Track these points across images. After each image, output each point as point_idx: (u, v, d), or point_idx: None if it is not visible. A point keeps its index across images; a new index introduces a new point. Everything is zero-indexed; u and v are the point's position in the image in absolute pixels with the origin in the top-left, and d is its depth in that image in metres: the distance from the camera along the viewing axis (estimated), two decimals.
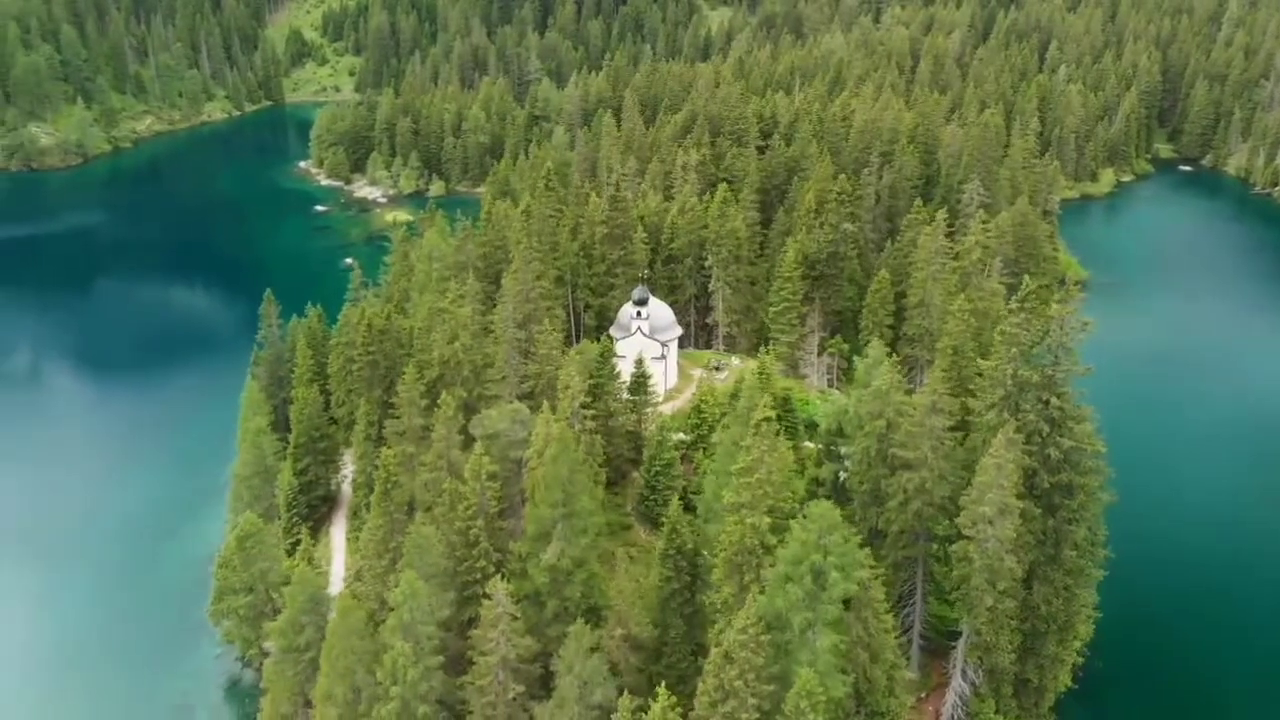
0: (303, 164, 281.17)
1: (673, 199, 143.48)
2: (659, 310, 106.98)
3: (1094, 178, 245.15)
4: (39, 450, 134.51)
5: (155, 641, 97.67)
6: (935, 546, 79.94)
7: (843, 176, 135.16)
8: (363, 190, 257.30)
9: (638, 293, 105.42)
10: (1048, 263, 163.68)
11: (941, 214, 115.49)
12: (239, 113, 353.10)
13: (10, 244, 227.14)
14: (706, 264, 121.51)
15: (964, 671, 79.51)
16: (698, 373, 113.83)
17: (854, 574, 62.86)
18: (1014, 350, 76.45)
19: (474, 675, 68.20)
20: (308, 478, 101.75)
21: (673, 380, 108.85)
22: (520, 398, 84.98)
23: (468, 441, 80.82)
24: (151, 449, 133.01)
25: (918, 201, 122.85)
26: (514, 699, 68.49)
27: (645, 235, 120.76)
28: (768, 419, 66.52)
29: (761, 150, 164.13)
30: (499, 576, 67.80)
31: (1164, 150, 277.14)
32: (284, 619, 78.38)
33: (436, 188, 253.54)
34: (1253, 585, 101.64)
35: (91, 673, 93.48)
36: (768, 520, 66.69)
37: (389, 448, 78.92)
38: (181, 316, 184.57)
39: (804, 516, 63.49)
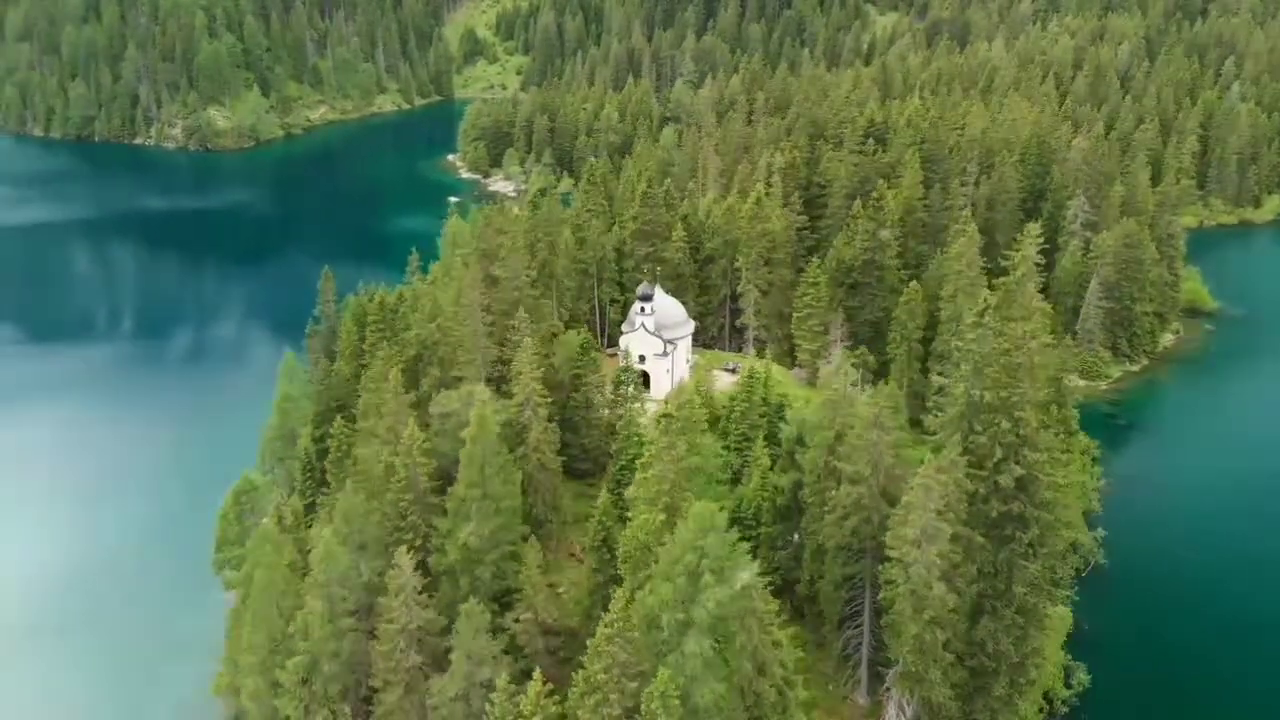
0: (450, 157, 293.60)
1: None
2: (667, 307, 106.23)
3: (1257, 204, 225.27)
4: (137, 398, 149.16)
5: (176, 585, 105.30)
6: (880, 566, 76.38)
7: (877, 183, 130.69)
8: (497, 184, 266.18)
9: (642, 289, 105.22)
10: (1155, 288, 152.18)
11: (970, 228, 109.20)
12: (409, 106, 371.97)
13: (179, 215, 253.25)
14: (738, 265, 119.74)
15: (899, 702, 75.88)
16: (714, 372, 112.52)
17: (731, 579, 61.30)
18: (966, 368, 72.41)
19: (378, 641, 70.54)
20: (324, 445, 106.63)
21: (682, 378, 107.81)
22: (489, 381, 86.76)
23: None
24: (231, 406, 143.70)
25: (965, 213, 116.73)
26: (414, 668, 70.36)
27: (685, 234, 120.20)
28: (668, 415, 65.82)
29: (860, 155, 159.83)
30: (404, 549, 69.68)
31: None
32: (244, 570, 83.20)
33: (565, 184, 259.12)
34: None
35: (110, 608, 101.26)
36: (662, 517, 66.01)
37: (343, 420, 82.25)
38: (297, 289, 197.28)
39: (687, 516, 62.45)
